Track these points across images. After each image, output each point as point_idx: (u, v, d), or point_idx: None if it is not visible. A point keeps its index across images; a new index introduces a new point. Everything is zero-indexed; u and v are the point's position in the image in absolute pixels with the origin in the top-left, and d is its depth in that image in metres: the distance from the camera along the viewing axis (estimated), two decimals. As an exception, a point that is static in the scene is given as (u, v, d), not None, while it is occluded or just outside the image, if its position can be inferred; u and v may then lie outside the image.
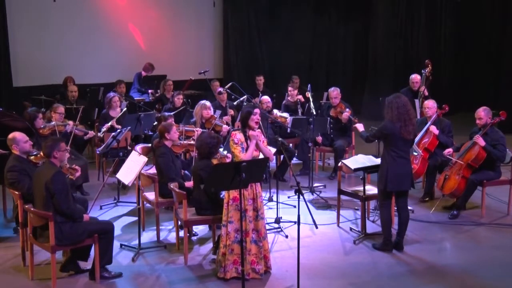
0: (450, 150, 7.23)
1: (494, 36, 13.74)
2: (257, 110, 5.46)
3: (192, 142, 7.65)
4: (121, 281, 5.45)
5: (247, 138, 5.40)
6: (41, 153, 6.12)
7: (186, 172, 6.92)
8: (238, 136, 5.38)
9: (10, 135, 6.06)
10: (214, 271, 5.59)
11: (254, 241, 5.37)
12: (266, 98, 9.20)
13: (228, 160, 6.77)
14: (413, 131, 5.89)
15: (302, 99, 9.89)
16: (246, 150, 5.34)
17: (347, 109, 8.77)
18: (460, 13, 14.35)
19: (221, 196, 5.77)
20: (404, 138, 5.79)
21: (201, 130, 8.14)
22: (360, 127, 6.48)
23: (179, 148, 7.45)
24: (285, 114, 9.30)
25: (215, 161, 6.28)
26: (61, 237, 5.18)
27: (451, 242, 6.43)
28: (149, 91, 11.34)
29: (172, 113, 8.35)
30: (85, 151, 9.89)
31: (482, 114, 7.00)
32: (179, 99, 9.51)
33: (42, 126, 7.85)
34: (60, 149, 5.35)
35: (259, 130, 5.58)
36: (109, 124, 8.70)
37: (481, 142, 6.85)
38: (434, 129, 7.50)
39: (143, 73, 11.98)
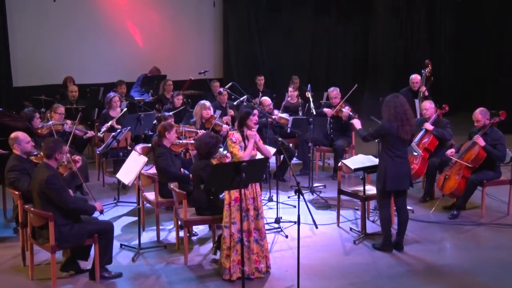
0: (452, 150, 7.22)
1: (494, 36, 13.73)
2: (256, 111, 5.47)
3: (191, 141, 7.65)
4: (121, 281, 5.45)
5: (244, 137, 5.41)
6: (42, 153, 6.13)
7: (186, 172, 6.92)
8: (236, 135, 5.38)
9: (13, 135, 6.05)
10: (216, 271, 5.60)
11: (256, 240, 5.39)
12: (267, 100, 9.18)
13: (227, 160, 6.78)
14: (410, 131, 5.88)
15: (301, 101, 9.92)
16: (245, 149, 5.35)
17: (347, 107, 8.77)
18: (460, 13, 14.36)
19: (221, 196, 5.77)
20: (401, 138, 5.80)
21: (203, 131, 8.15)
22: (357, 124, 6.38)
23: (178, 147, 7.45)
24: (285, 115, 9.26)
25: (214, 161, 6.28)
26: (61, 239, 5.18)
27: (451, 242, 6.43)
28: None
29: (171, 113, 8.36)
30: (85, 151, 9.89)
31: (479, 116, 6.99)
32: (178, 100, 9.51)
33: (39, 126, 7.85)
34: (62, 151, 5.37)
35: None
36: (109, 124, 8.71)
37: (481, 142, 6.85)
38: (428, 126, 7.51)
39: (148, 74, 12.01)
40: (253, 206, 5.37)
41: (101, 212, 5.57)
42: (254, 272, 5.40)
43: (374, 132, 6.01)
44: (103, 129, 8.66)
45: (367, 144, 6.43)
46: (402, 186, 5.94)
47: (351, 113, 8.64)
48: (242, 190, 5.24)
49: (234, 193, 5.29)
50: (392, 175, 5.82)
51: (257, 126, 5.58)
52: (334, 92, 8.96)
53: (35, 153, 6.22)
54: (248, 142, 5.39)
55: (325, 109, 8.94)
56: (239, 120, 5.51)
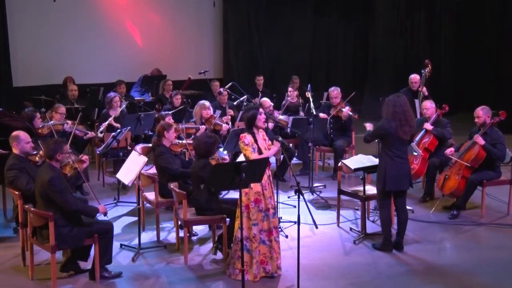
0: (452, 149, 7.23)
1: (494, 36, 13.75)
2: (262, 110, 5.47)
3: (190, 141, 7.66)
4: (121, 281, 5.45)
5: (256, 139, 5.38)
6: (40, 153, 6.14)
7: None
8: (248, 137, 5.35)
9: (14, 133, 6.04)
10: (216, 271, 5.60)
11: (274, 238, 5.42)
12: (267, 101, 9.16)
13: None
14: (410, 132, 5.87)
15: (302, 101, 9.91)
16: (258, 151, 5.33)
17: (347, 107, 8.77)
18: (460, 13, 14.36)
19: (220, 196, 5.77)
20: (400, 138, 5.79)
21: (204, 127, 8.15)
22: (369, 127, 6.40)
23: (178, 147, 7.45)
24: (284, 117, 9.22)
25: (213, 162, 6.28)
26: (59, 240, 5.17)
27: (451, 242, 6.43)
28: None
29: (170, 112, 8.35)
30: (85, 151, 9.87)
31: (481, 112, 7.00)
32: (177, 99, 9.49)
33: (40, 126, 7.84)
34: (63, 151, 5.37)
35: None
36: (107, 122, 8.70)
37: (481, 141, 6.85)
38: (427, 126, 7.52)
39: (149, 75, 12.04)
40: (270, 205, 5.39)
41: (105, 214, 5.53)
42: (276, 270, 5.43)
43: (373, 132, 6.02)
44: (101, 128, 8.66)
45: (367, 144, 6.42)
46: (402, 186, 5.94)
47: (350, 113, 8.65)
48: (261, 190, 5.26)
49: (254, 195, 5.29)
50: (392, 175, 5.82)
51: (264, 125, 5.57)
52: (334, 92, 8.96)
53: (34, 152, 6.21)
54: (273, 146, 5.42)
55: (321, 114, 8.87)
56: (247, 122, 5.45)
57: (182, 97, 9.73)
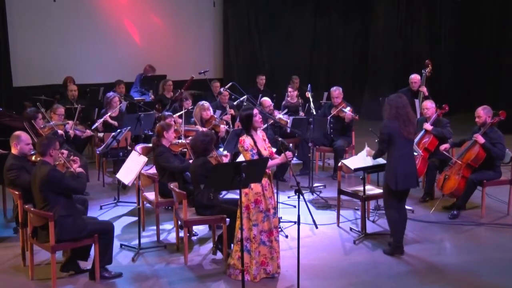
0: (447, 145, 7.23)
1: (494, 36, 13.75)
2: (256, 111, 5.43)
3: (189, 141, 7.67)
4: (121, 281, 5.45)
5: (255, 142, 5.37)
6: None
7: (186, 172, 6.91)
8: (247, 141, 5.32)
9: (17, 133, 6.04)
10: (216, 271, 5.60)
11: (274, 237, 5.42)
12: (267, 101, 9.15)
13: (225, 160, 6.78)
14: (414, 131, 5.89)
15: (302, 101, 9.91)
16: (258, 154, 5.31)
17: (348, 107, 8.77)
18: (460, 13, 14.37)
19: (221, 196, 5.77)
20: (404, 137, 5.78)
21: (204, 129, 8.13)
22: (369, 152, 6.44)
23: (177, 147, 7.45)
24: (283, 117, 9.22)
25: (212, 160, 6.27)
26: (63, 231, 5.17)
27: (451, 242, 6.43)
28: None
29: (173, 115, 8.31)
30: (85, 151, 9.89)
31: (481, 112, 7.01)
32: (188, 104, 9.26)
33: (42, 126, 7.84)
34: (55, 147, 5.38)
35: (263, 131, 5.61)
36: (102, 119, 8.69)
37: (481, 139, 6.86)
38: (427, 126, 7.52)
39: (144, 74, 12.00)
40: (271, 205, 5.39)
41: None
42: (277, 270, 5.43)
43: (379, 137, 5.96)
44: (96, 124, 8.65)
45: (383, 154, 6.32)
46: (411, 184, 5.93)
47: (352, 114, 8.64)
48: (262, 191, 5.26)
49: (254, 196, 5.29)
50: (403, 174, 5.79)
51: (264, 125, 5.53)
52: (336, 91, 8.94)
53: (33, 152, 6.21)
54: (281, 156, 5.38)
55: None
56: (244, 125, 5.42)
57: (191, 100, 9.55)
